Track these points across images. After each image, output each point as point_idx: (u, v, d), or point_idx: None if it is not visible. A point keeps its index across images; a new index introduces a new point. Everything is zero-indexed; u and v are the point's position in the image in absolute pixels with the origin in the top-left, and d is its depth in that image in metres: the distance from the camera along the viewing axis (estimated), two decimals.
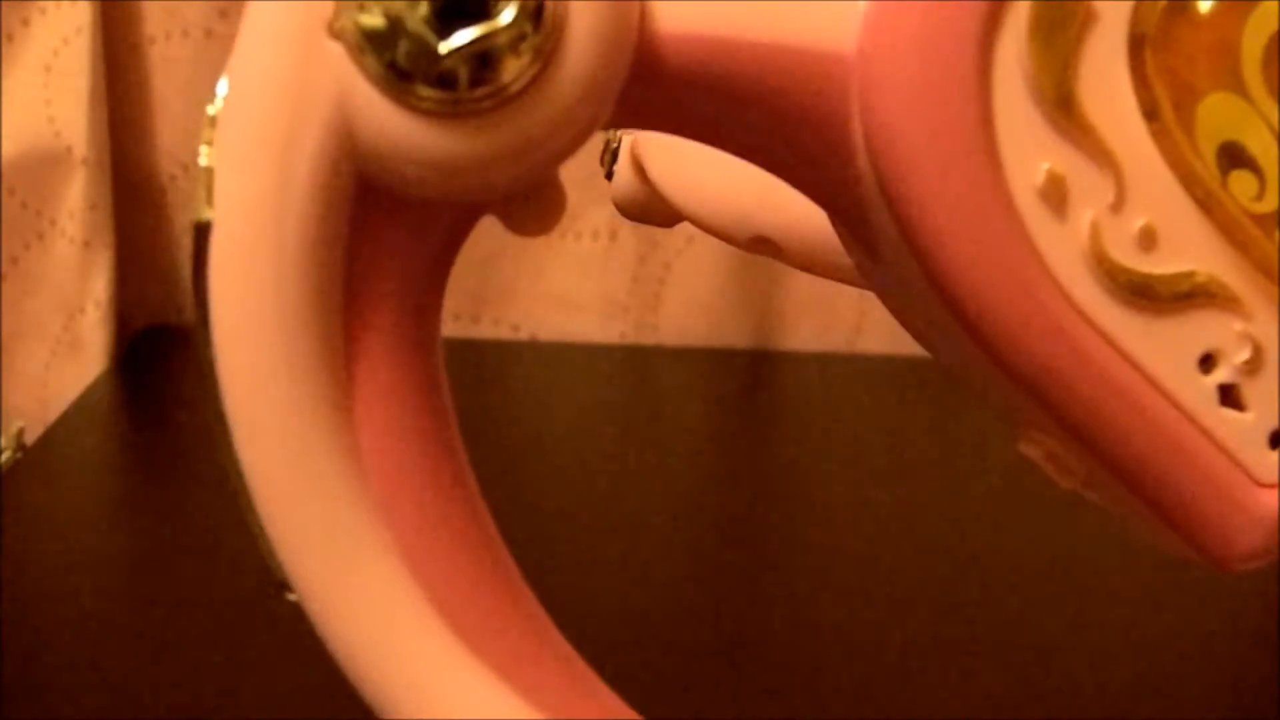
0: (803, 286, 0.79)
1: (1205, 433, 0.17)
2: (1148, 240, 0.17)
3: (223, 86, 0.16)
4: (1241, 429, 0.17)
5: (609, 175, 0.34)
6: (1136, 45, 0.16)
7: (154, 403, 0.74)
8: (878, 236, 0.17)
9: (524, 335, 0.80)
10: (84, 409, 0.70)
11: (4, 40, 0.71)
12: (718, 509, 0.63)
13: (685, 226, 0.86)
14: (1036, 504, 0.59)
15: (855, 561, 0.56)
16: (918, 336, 0.19)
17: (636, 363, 0.80)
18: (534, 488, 0.63)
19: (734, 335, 0.81)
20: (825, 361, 0.80)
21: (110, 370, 0.75)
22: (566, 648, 0.18)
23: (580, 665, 0.18)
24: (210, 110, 0.16)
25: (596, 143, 0.35)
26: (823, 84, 0.16)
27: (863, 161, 0.17)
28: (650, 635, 0.50)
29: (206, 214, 0.16)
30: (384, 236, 0.16)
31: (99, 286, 0.74)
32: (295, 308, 0.16)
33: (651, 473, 0.65)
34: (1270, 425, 0.17)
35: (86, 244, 0.73)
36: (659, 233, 0.77)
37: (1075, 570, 0.55)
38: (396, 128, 0.15)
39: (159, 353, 0.76)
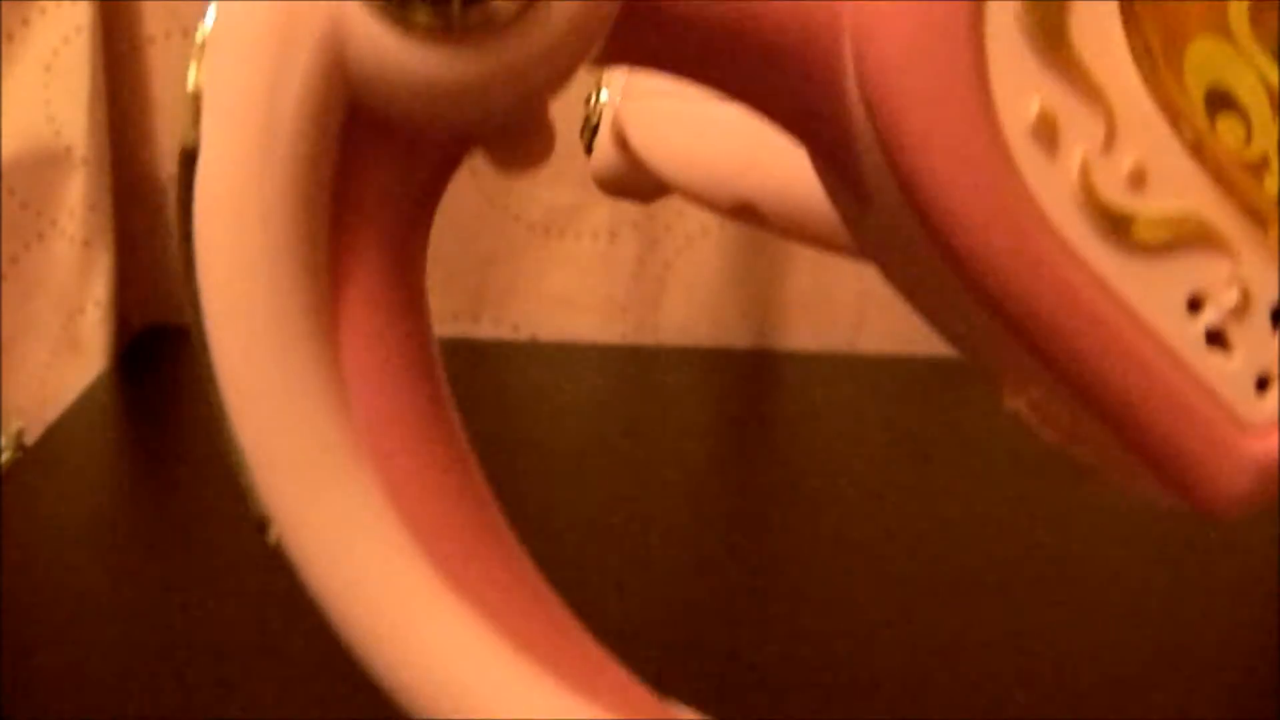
0: (803, 286, 0.79)
1: (1192, 375, 0.17)
2: (1137, 179, 0.17)
3: (213, 9, 0.16)
4: (1228, 372, 0.17)
5: (589, 149, 0.34)
6: None
7: (154, 403, 0.74)
8: (868, 179, 0.17)
9: (524, 335, 0.80)
10: (84, 409, 0.70)
11: (4, 40, 0.71)
12: (718, 508, 0.63)
13: (684, 225, 0.85)
14: (1038, 503, 0.59)
15: (856, 561, 0.56)
16: (906, 293, 0.19)
17: (636, 363, 0.80)
18: (534, 488, 0.63)
19: (734, 335, 0.80)
20: (825, 361, 0.79)
21: (110, 370, 0.74)
22: (545, 589, 0.18)
23: (559, 607, 0.18)
24: (199, 33, 0.16)
25: (578, 120, 0.35)
26: (816, 26, 0.16)
27: (855, 103, 0.17)
28: (651, 634, 0.50)
29: (193, 138, 0.16)
30: (372, 166, 0.16)
31: (99, 286, 0.74)
32: (281, 233, 0.16)
33: (652, 472, 0.65)
34: (1257, 369, 0.17)
35: (86, 244, 0.73)
36: (659, 232, 0.77)
37: (1077, 569, 0.55)
38: (388, 49, 0.15)
39: (159, 353, 0.76)
